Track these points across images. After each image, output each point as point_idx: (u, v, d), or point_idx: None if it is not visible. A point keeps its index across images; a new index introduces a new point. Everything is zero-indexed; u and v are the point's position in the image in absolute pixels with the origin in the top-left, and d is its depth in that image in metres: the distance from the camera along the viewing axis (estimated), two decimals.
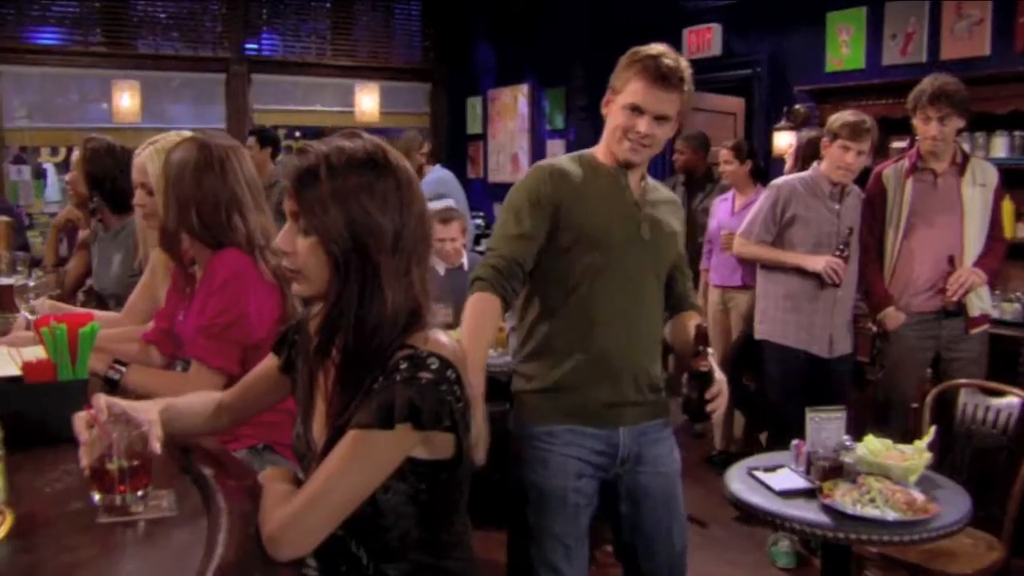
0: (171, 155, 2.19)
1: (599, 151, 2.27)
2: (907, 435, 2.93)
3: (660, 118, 2.15)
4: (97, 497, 1.43)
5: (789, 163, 4.84)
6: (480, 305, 2.09)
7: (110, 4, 7.39)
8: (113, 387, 2.07)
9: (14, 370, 1.80)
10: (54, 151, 7.51)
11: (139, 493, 1.43)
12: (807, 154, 4.24)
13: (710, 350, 2.09)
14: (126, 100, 6.89)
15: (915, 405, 3.23)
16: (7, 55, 6.97)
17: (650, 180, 2.33)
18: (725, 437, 5.00)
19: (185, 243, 2.24)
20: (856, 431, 2.92)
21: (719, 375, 2.06)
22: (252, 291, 2.14)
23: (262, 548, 1.31)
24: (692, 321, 2.25)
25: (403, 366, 1.35)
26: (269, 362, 1.68)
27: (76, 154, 3.55)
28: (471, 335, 2.04)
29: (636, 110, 2.14)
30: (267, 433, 2.19)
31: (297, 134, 8.81)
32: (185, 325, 2.20)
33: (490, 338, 2.15)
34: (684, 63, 2.17)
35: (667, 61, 2.12)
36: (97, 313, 2.87)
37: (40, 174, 7.67)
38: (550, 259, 2.18)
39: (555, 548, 2.18)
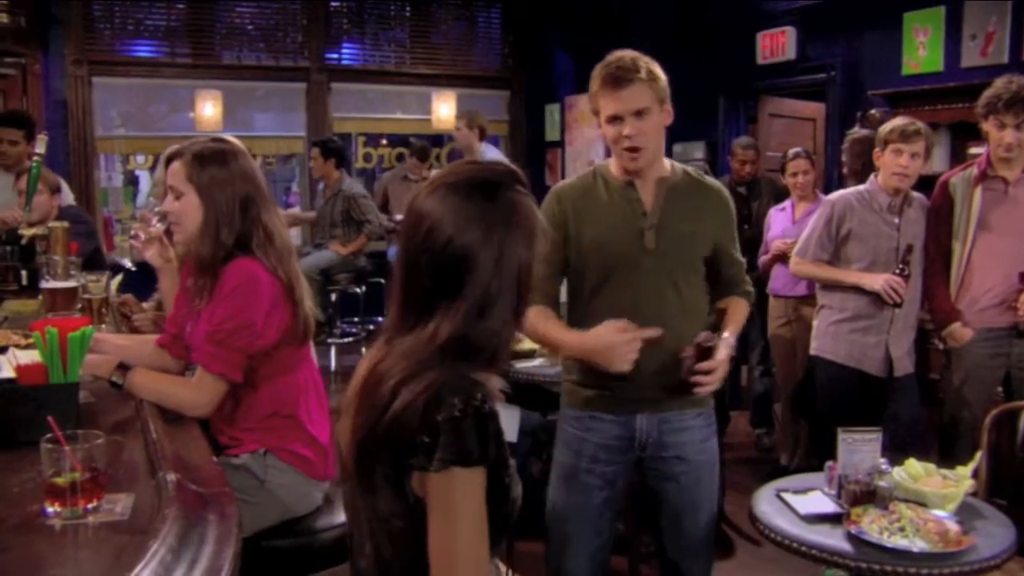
0: (201, 172, 2.19)
1: (614, 165, 2.36)
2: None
3: (637, 114, 2.20)
4: (51, 510, 1.46)
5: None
6: (539, 313, 2.31)
7: (197, 16, 7.66)
8: (118, 391, 2.11)
9: (9, 372, 1.86)
10: (145, 159, 7.83)
11: (90, 506, 1.46)
12: (856, 152, 4.06)
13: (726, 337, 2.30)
14: (209, 109, 7.12)
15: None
16: (100, 67, 7.30)
17: (689, 176, 2.37)
18: (789, 454, 4.82)
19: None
20: (924, 452, 2.76)
21: (721, 355, 2.22)
22: (261, 299, 2.15)
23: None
24: (732, 306, 2.44)
25: None
26: None
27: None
28: (552, 329, 2.33)
29: (614, 119, 2.22)
30: (268, 438, 2.21)
31: (383, 141, 8.95)
32: (194, 335, 2.23)
33: (552, 321, 2.36)
34: (635, 55, 2.22)
35: (612, 62, 2.21)
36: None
37: (132, 181, 8.02)
38: (569, 272, 2.39)
39: (566, 519, 2.39)
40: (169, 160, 2.26)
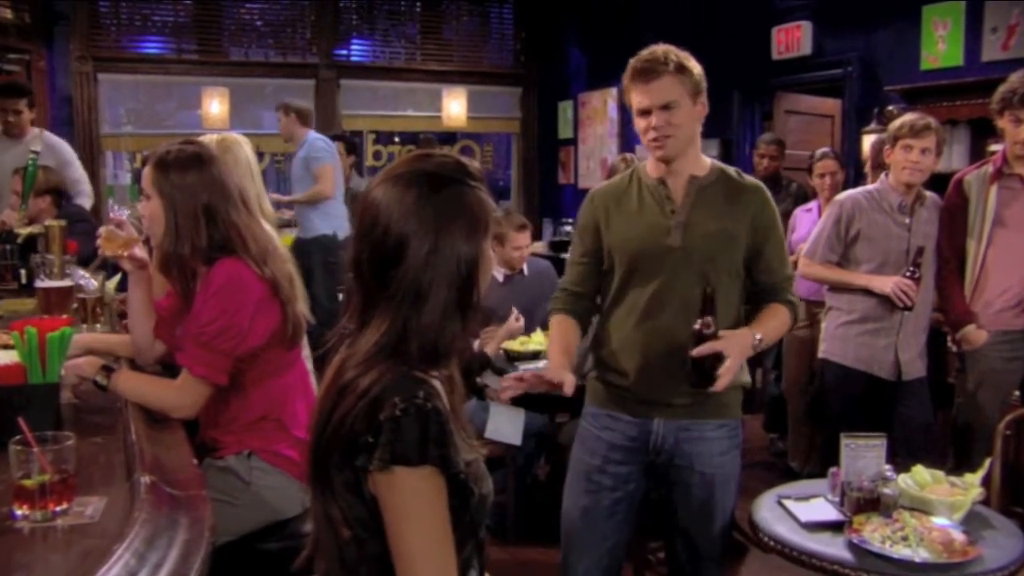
0: (164, 178, 2.15)
1: (649, 163, 2.36)
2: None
3: (665, 107, 2.19)
4: (19, 512, 1.43)
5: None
6: (555, 325, 2.42)
7: (204, 13, 7.63)
8: (102, 392, 2.08)
9: None
10: None
11: (59, 508, 1.43)
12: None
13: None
14: (215, 106, 7.08)
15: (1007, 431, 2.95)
16: (106, 64, 7.28)
17: (727, 176, 2.32)
18: (801, 460, 4.73)
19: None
20: (939, 458, 2.67)
21: (723, 344, 2.09)
22: (247, 300, 2.12)
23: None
24: (766, 310, 2.31)
25: None
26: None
27: None
28: (551, 346, 2.41)
29: (643, 113, 2.23)
30: (252, 440, 2.18)
31: (396, 139, 8.91)
32: (182, 337, 2.20)
33: (568, 343, 2.38)
34: (667, 48, 2.22)
35: (644, 55, 2.22)
36: None
37: (139, 178, 8.01)
38: (605, 272, 2.40)
39: (573, 514, 2.38)
40: (144, 163, 2.26)
